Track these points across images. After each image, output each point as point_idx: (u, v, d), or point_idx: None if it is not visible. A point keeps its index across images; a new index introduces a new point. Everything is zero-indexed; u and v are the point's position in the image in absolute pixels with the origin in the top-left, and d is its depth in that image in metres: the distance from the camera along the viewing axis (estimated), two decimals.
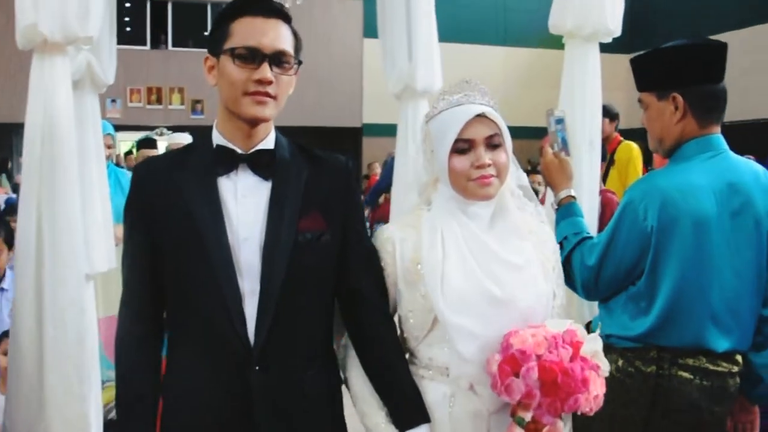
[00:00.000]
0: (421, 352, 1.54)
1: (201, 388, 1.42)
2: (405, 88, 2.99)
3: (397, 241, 1.55)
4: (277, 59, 1.38)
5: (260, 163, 1.43)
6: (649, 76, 1.82)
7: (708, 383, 1.71)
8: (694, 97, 1.74)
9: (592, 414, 1.44)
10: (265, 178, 1.43)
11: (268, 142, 1.46)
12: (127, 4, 13.52)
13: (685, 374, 1.71)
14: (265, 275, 1.40)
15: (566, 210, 1.95)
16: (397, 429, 1.49)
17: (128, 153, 11.21)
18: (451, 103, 1.53)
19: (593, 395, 1.39)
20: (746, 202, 1.71)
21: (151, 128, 11.45)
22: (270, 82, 1.36)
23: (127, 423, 1.44)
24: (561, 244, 1.81)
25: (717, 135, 1.77)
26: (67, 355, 1.80)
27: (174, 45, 14.84)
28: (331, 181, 1.50)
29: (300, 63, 1.43)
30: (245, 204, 1.41)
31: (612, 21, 2.04)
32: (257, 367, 1.39)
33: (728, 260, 1.70)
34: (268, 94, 1.37)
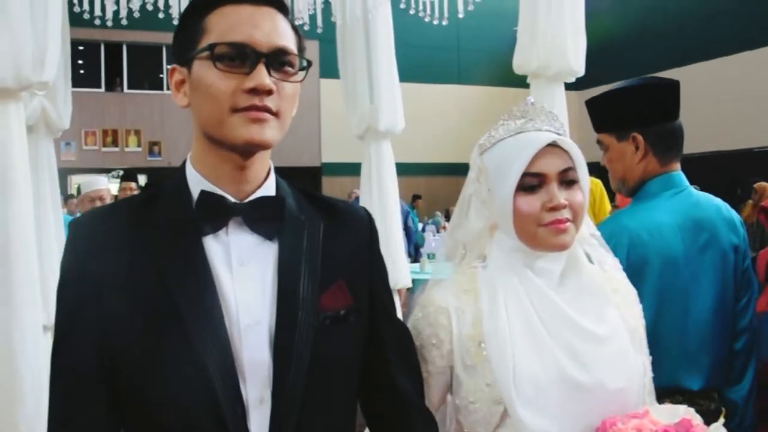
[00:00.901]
0: None
1: None
2: (367, 129, 3.00)
3: (452, 312, 1.23)
4: (277, 59, 0.99)
5: (262, 217, 1.04)
6: (608, 117, 1.84)
7: None
8: (653, 135, 1.77)
9: None
10: (269, 237, 1.04)
11: (269, 187, 1.07)
12: (81, 47, 13.42)
13: None
14: (280, 378, 1.00)
15: None
16: None
17: (69, 196, 10.95)
18: (512, 130, 1.26)
19: None
20: (712, 237, 1.73)
21: (108, 170, 11.25)
22: (269, 92, 0.97)
23: None
24: None
25: (678, 172, 1.80)
26: (21, 413, 1.71)
27: (129, 87, 14.79)
28: (354, 237, 1.13)
29: (309, 65, 1.04)
30: (244, 275, 1.02)
31: (575, 62, 2.10)
32: None
33: (699, 297, 1.71)
34: (267, 109, 0.97)
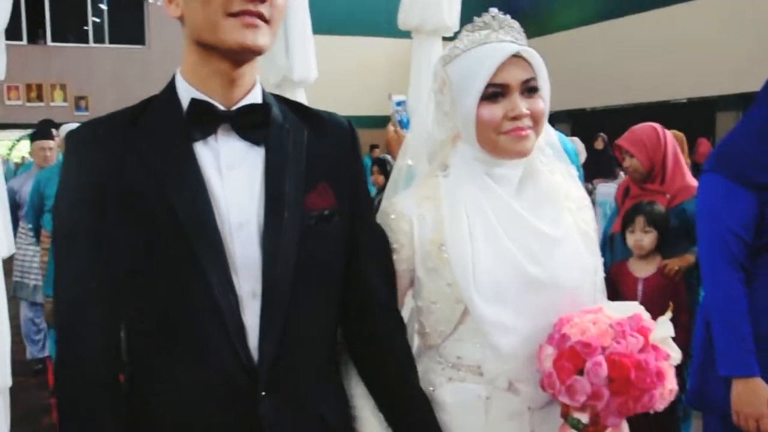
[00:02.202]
0: (448, 349, 1.27)
1: (191, 426, 1.05)
2: (283, 80, 3.34)
3: (414, 218, 1.26)
4: None
5: (249, 123, 1.07)
6: None
7: None
8: None
9: (659, 410, 1.17)
10: (256, 142, 1.07)
11: (255, 95, 1.09)
12: None
13: None
14: (269, 272, 1.05)
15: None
16: None
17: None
18: (476, 41, 1.24)
19: (668, 389, 1.14)
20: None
21: (32, 126, 11.18)
22: (263, 0, 1.00)
23: None
24: None
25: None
26: None
27: (54, 40, 14.41)
28: (337, 145, 1.16)
29: None
30: (233, 178, 1.06)
31: (450, 18, 2.52)
32: (264, 393, 1.04)
33: None
34: (260, 15, 0.99)
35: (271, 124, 1.08)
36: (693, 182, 2.77)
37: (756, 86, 1.97)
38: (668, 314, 1.20)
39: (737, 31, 11.44)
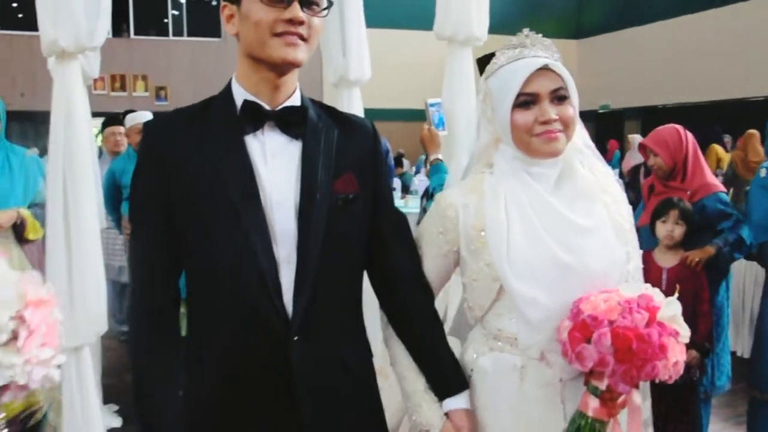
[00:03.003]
0: (490, 322, 1.44)
1: (233, 365, 1.28)
2: (340, 79, 3.61)
3: (459, 207, 1.44)
4: (308, 1, 1.24)
5: (289, 121, 1.29)
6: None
7: None
8: None
9: (671, 382, 1.32)
10: (295, 137, 1.30)
11: (295, 99, 1.32)
12: None
13: None
14: (302, 241, 1.26)
15: (436, 168, 2.66)
16: (437, 396, 1.43)
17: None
18: (511, 58, 1.42)
19: (672, 362, 1.26)
20: None
21: (111, 115, 11.83)
22: (302, 23, 1.21)
23: (148, 405, 1.31)
24: (433, 191, 2.48)
25: None
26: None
27: (136, 33, 15.16)
28: (361, 143, 1.39)
29: (331, 4, 1.30)
30: (275, 165, 1.28)
31: (478, 30, 2.74)
32: (295, 338, 1.26)
33: None
34: (300, 35, 1.22)
35: (308, 123, 1.30)
36: (713, 180, 2.93)
37: None
38: (675, 295, 1.33)
39: None
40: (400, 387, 1.47)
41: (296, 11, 1.19)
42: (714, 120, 10.19)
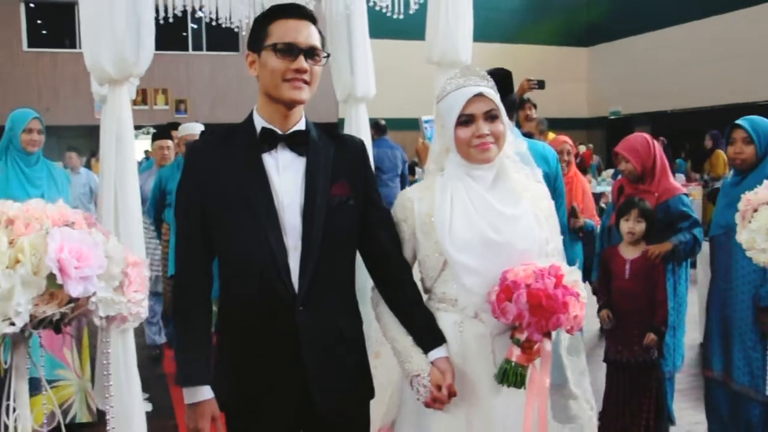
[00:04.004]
0: (437, 288, 1.82)
1: (254, 328, 1.63)
2: (348, 96, 4.03)
3: (415, 200, 1.83)
4: (311, 53, 1.62)
5: (296, 142, 1.67)
6: None
7: None
8: (504, 104, 2.85)
9: (573, 333, 1.73)
10: (300, 154, 1.67)
11: (302, 125, 1.69)
12: None
13: None
14: (306, 233, 1.63)
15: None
16: (423, 350, 1.75)
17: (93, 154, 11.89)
18: (455, 86, 1.79)
19: (572, 315, 1.63)
20: None
21: (138, 128, 12.33)
22: (306, 71, 1.60)
23: (186, 360, 1.65)
24: None
25: (513, 126, 2.88)
26: None
27: (158, 48, 15.67)
28: (353, 157, 1.75)
29: (328, 56, 1.67)
30: (285, 176, 1.64)
31: (463, 54, 3.16)
32: (301, 308, 1.61)
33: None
34: (304, 81, 1.61)
35: (310, 143, 1.69)
36: (676, 184, 3.32)
37: None
38: (577, 264, 1.76)
39: None
40: (392, 348, 1.80)
41: (301, 63, 1.60)
42: (722, 124, 10.41)
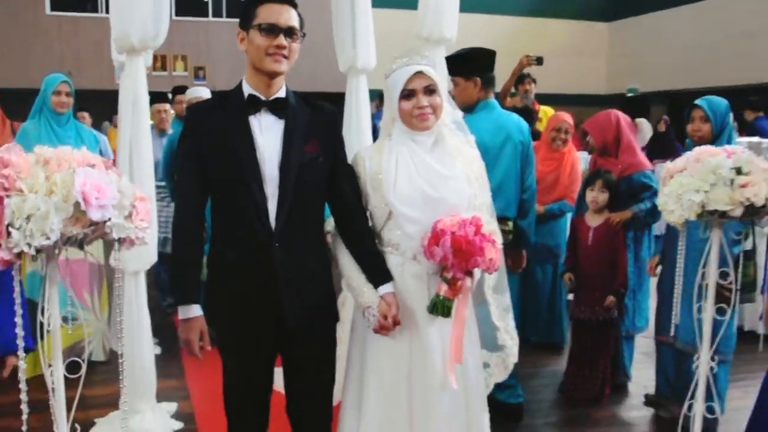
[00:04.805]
0: (383, 234, 2.12)
1: (239, 262, 1.95)
2: (350, 67, 4.28)
3: (366, 159, 2.12)
4: (289, 32, 1.92)
5: (277, 107, 1.96)
6: (461, 68, 3.15)
7: None
8: (484, 79, 3.15)
9: (491, 272, 2.07)
10: (280, 117, 1.96)
11: (282, 93, 1.99)
12: None
13: None
14: (282, 183, 1.92)
15: None
16: (374, 285, 2.06)
17: None
18: (400, 65, 2.09)
19: (488, 258, 1.95)
20: (507, 135, 3.11)
21: (157, 93, 12.63)
22: (284, 47, 1.90)
23: (181, 282, 1.96)
24: None
25: (492, 99, 3.18)
26: None
27: (177, 14, 15.91)
28: (324, 121, 2.04)
29: (304, 35, 1.98)
30: (267, 135, 1.94)
31: (448, 31, 3.45)
32: (277, 244, 1.92)
33: (501, 166, 3.06)
34: (283, 55, 1.92)
35: (289, 108, 1.98)
36: (641, 159, 3.60)
37: None
38: (494, 218, 2.09)
39: None
40: (348, 284, 2.10)
41: (281, 40, 1.91)
42: (740, 105, 10.54)
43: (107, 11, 2.93)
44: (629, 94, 18.77)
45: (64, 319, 3.51)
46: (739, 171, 2.11)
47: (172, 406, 3.43)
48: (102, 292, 4.08)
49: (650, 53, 17.63)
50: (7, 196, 1.40)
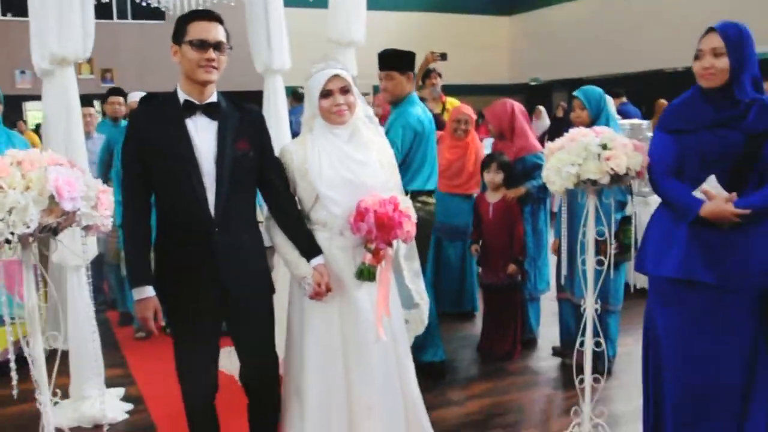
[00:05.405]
0: (312, 215, 2.41)
1: (184, 246, 2.19)
2: (266, 69, 4.55)
3: (293, 152, 2.39)
4: (218, 46, 2.17)
5: (210, 110, 2.21)
6: (397, 64, 3.47)
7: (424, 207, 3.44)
8: (413, 74, 3.50)
9: (407, 243, 2.49)
10: (213, 119, 2.22)
11: (214, 98, 2.24)
12: None
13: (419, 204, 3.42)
14: (218, 176, 2.18)
15: None
16: (306, 259, 2.35)
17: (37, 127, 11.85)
18: (319, 69, 2.36)
19: (406, 230, 2.31)
20: (429, 123, 3.48)
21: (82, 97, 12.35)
22: (213, 60, 2.16)
23: (134, 268, 2.23)
24: None
25: (414, 92, 3.54)
26: None
27: None
28: (252, 121, 2.30)
29: (231, 48, 2.21)
30: (203, 135, 2.19)
31: (356, 35, 3.79)
32: (216, 229, 2.19)
33: (428, 149, 3.43)
34: (213, 67, 2.16)
35: (221, 111, 2.24)
36: (534, 143, 4.08)
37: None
38: (408, 198, 2.42)
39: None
40: (284, 260, 2.39)
41: (211, 54, 2.17)
42: (636, 91, 11.24)
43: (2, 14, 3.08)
44: (532, 83, 19.73)
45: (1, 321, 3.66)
46: (604, 147, 2.55)
47: (120, 391, 3.65)
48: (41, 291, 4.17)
49: (550, 44, 18.54)
50: None
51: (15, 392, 1.84)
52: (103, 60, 15.35)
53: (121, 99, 5.35)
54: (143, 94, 5.36)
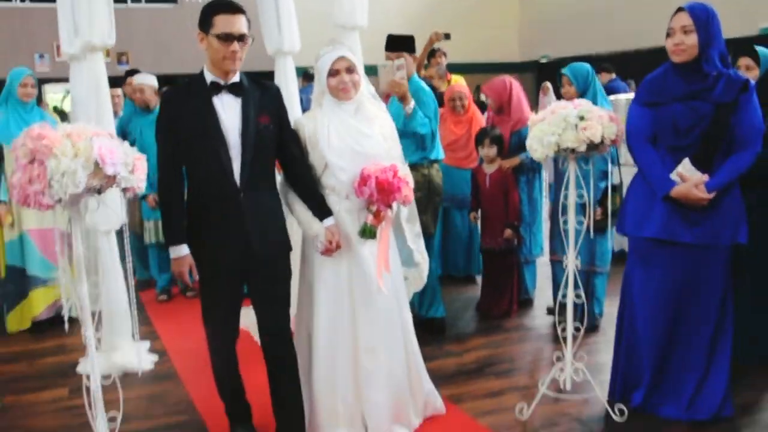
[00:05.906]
0: (323, 180, 2.67)
1: (212, 211, 2.44)
2: (277, 51, 4.81)
3: (305, 125, 2.65)
4: (241, 39, 2.38)
5: (234, 89, 2.44)
6: (408, 45, 3.78)
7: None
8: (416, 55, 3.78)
9: (406, 206, 2.78)
10: (237, 96, 2.45)
11: (237, 78, 2.46)
12: None
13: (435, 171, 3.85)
14: (243, 147, 2.42)
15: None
16: (319, 219, 2.61)
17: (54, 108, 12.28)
18: (327, 51, 2.63)
19: (404, 195, 2.58)
20: (434, 97, 3.81)
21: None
22: (237, 52, 2.38)
23: (171, 230, 2.48)
24: None
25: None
26: None
27: None
28: (272, 97, 2.53)
29: (253, 39, 2.43)
30: (228, 111, 2.43)
31: (360, 19, 4.07)
32: (242, 194, 2.44)
33: (437, 121, 3.79)
34: (237, 57, 2.39)
35: (243, 90, 2.48)
36: (529, 115, 4.31)
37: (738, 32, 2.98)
38: (406, 164, 2.75)
39: None
40: (299, 221, 2.66)
41: (235, 47, 2.39)
42: (644, 67, 11.30)
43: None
44: (543, 61, 19.78)
45: (44, 282, 4.00)
46: (582, 118, 2.84)
47: (147, 344, 4.01)
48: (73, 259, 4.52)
49: (560, 21, 18.54)
50: (46, 160, 1.96)
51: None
52: (118, 43, 15.47)
53: (119, 91, 5.59)
54: (149, 75, 5.53)
